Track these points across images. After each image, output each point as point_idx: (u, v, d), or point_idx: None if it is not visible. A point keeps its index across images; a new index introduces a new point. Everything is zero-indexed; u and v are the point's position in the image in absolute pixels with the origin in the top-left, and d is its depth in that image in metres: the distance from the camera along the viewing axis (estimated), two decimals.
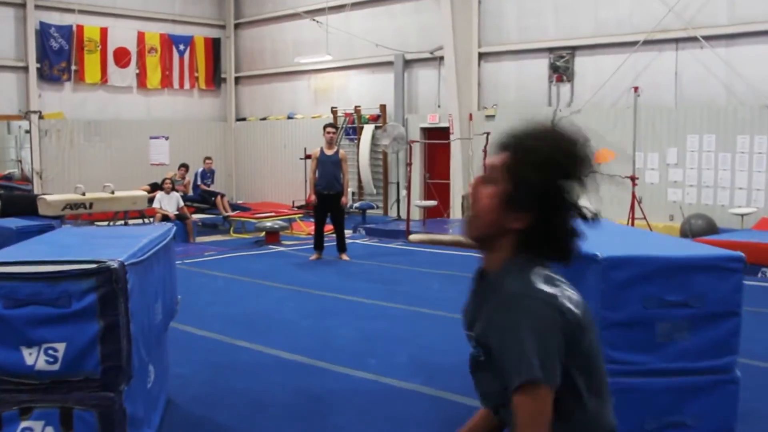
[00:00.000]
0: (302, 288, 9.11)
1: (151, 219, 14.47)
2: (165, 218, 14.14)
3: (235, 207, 16.83)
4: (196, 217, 16.44)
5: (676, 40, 13.82)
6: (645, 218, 12.61)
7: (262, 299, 8.53)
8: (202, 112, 21.62)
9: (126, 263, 3.57)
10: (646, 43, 13.85)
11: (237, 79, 22.22)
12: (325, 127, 11.04)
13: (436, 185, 16.74)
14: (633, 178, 12.47)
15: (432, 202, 14.81)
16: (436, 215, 15.86)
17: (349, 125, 18.46)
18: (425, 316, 7.69)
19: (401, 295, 8.67)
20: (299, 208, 17.64)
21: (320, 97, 19.93)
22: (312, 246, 11.43)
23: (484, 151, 14.10)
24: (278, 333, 7.00)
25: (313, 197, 10.85)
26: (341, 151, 11.05)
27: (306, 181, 17.72)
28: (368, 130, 18.13)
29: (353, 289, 8.98)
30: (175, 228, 5.01)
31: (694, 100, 13.74)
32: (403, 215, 16.39)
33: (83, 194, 11.84)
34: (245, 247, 13.11)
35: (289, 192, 19.76)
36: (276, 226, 13.42)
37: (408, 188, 14.30)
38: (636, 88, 14.14)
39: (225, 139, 22.05)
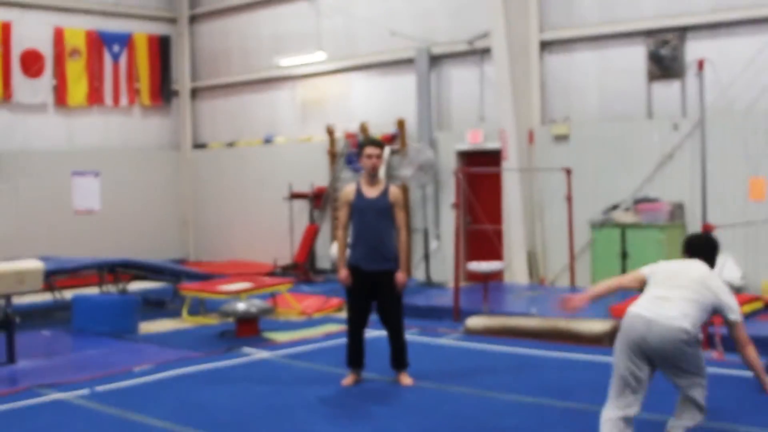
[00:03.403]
0: None
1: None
2: None
3: (178, 274, 13.69)
4: (136, 287, 13.93)
5: None
6: None
7: None
8: (146, 138, 20.31)
9: None
10: None
11: (193, 92, 21.00)
12: (362, 146, 7.91)
13: (481, 234, 14.56)
14: None
15: (497, 264, 11.79)
16: (481, 278, 12.97)
17: (353, 149, 16.37)
18: None
19: None
20: (284, 270, 16.13)
21: (310, 111, 18.51)
22: (335, 355, 8.45)
23: (568, 198, 12.89)
24: None
25: (344, 274, 7.63)
26: (393, 189, 7.84)
27: (291, 229, 17.06)
28: None
29: None
30: None
31: None
32: (436, 278, 15.08)
33: None
34: (204, 347, 9.79)
35: (268, 247, 18.34)
36: (253, 309, 10.36)
37: (456, 242, 11.35)
38: None
39: (178, 174, 20.68)
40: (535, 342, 9.43)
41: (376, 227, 7.60)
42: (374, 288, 7.64)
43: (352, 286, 7.65)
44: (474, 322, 10.25)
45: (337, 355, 8.38)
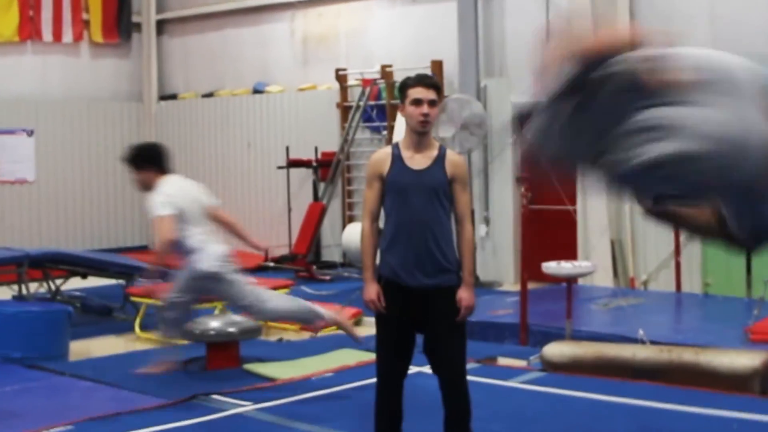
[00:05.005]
0: None
1: None
2: None
3: (130, 271, 12.95)
4: (74, 286, 13.19)
5: None
6: None
7: None
8: (97, 85, 20.12)
9: None
10: None
11: (160, 25, 20.69)
12: (404, 87, 6.52)
13: (546, 216, 14.40)
14: None
15: (586, 265, 10.66)
16: (558, 281, 12.31)
17: (371, 102, 16.31)
18: None
19: None
20: (279, 264, 15.92)
21: (314, 51, 18.29)
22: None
23: None
24: None
25: (373, 291, 6.31)
26: (453, 156, 6.52)
27: (288, 209, 17.07)
28: None
29: None
30: None
31: None
32: (485, 276, 14.90)
33: None
34: (157, 387, 8.47)
35: (257, 232, 17.00)
36: (231, 329, 9.24)
37: (523, 231, 10.42)
38: None
39: (139, 134, 20.02)
40: (649, 385, 8.05)
41: (425, 217, 6.18)
42: (421, 314, 6.21)
43: (386, 311, 6.21)
44: (555, 351, 8.84)
45: (358, 411, 7.04)
